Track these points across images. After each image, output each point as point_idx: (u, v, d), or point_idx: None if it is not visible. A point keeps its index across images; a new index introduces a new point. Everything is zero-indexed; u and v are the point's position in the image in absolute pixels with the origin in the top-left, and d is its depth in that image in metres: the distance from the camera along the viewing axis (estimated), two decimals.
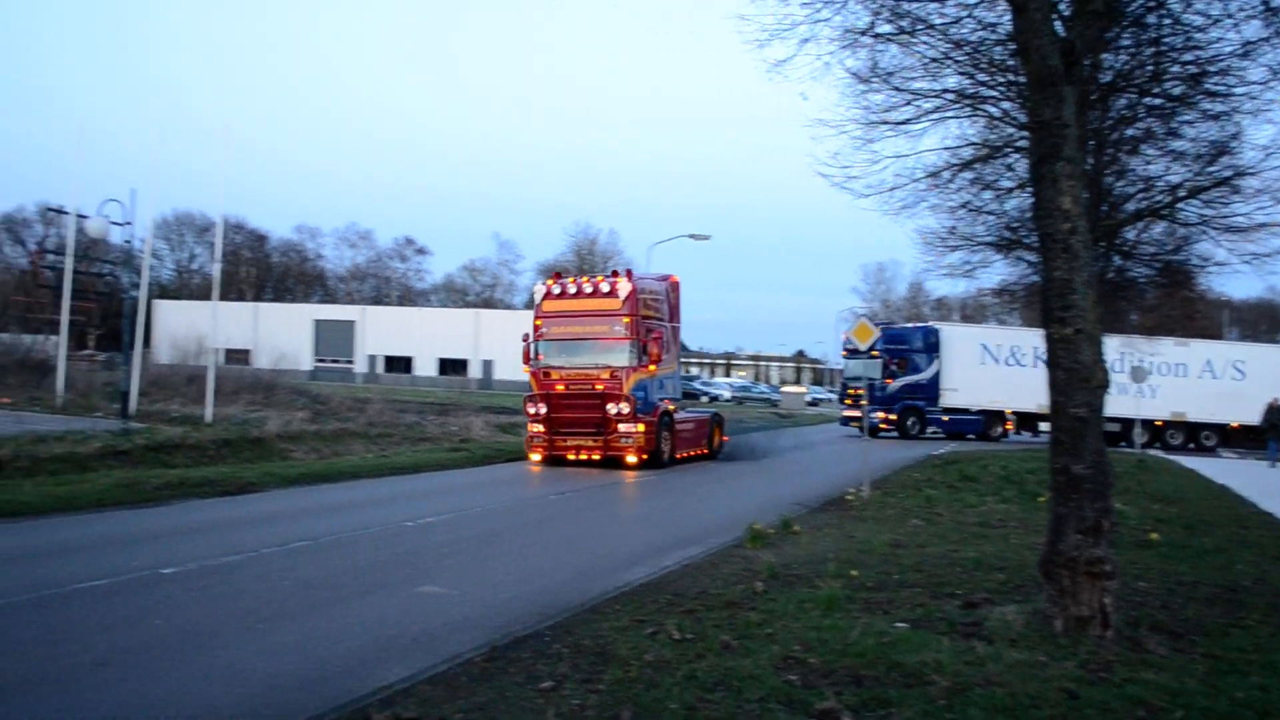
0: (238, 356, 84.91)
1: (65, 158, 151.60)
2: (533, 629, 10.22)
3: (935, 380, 49.86)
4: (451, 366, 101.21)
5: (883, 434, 49.56)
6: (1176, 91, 16.94)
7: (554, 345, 29.62)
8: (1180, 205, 20.02)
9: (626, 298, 29.04)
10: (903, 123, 17.18)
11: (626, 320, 28.98)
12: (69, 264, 40.91)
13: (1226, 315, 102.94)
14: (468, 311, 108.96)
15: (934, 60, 16.27)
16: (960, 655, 8.96)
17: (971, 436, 49.94)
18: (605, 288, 29.38)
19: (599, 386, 28.67)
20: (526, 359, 29.94)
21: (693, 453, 32.07)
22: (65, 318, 39.92)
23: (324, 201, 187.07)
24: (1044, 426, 41.04)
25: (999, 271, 29.30)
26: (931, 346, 50.33)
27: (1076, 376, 9.70)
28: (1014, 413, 49.73)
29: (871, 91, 16.63)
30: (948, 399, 49.82)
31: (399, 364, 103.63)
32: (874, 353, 42.01)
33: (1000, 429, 50.16)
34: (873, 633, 9.72)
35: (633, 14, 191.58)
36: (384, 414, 40.89)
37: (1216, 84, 16.03)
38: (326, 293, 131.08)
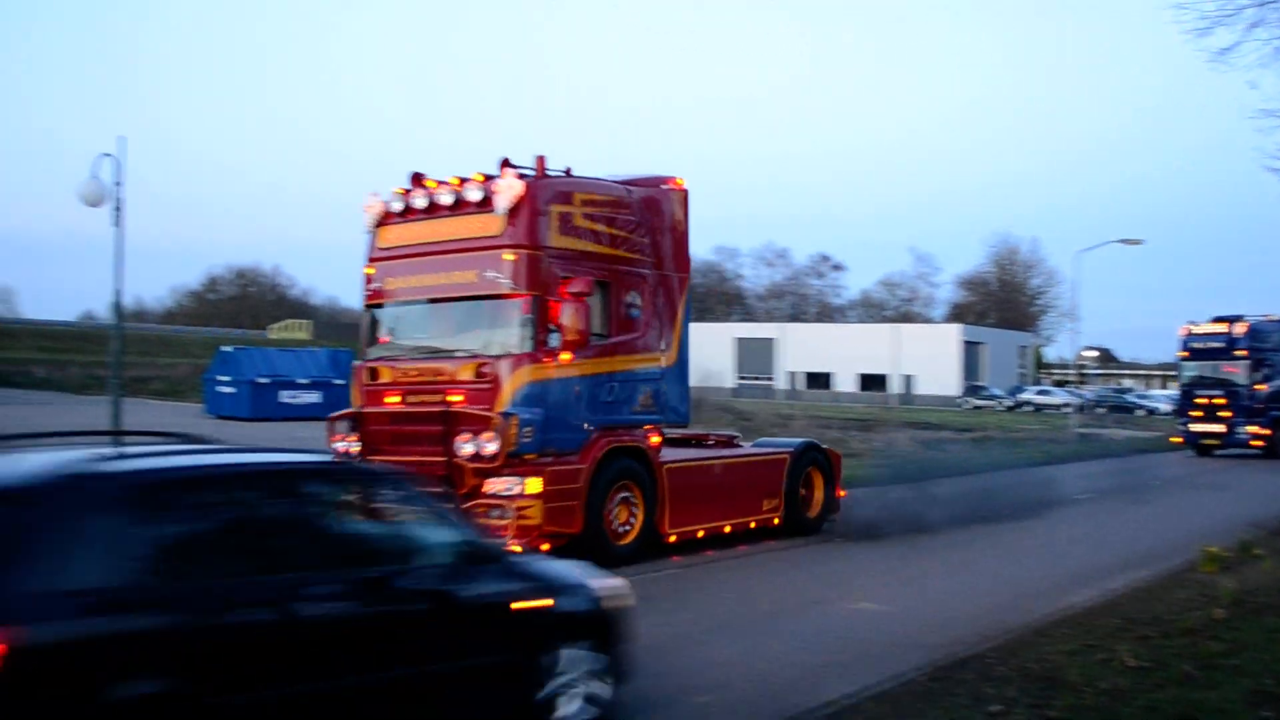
0: None
1: None
2: (975, 650, 9.94)
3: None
4: (871, 382, 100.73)
5: (1218, 451, 39.05)
6: None
7: (393, 314, 15.65)
8: None
9: (514, 210, 14.01)
10: None
11: (512, 256, 13.97)
12: None
13: None
14: (885, 326, 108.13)
15: None
16: None
17: None
18: (475, 195, 14.31)
19: (446, 399, 14.00)
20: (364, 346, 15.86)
21: (737, 521, 16.62)
22: None
23: (742, 222, 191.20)
24: None
25: None
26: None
27: None
28: None
29: None
30: None
31: (819, 380, 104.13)
32: (1239, 351, 37.76)
33: None
34: None
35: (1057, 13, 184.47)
36: (808, 430, 41.16)
37: None
38: (746, 311, 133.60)
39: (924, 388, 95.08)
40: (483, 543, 7.46)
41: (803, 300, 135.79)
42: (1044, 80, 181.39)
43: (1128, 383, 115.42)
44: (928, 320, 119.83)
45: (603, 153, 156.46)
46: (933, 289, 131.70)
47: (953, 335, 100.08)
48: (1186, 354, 40.41)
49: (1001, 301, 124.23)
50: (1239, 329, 38.56)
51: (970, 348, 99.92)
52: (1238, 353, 37.94)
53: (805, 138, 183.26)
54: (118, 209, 18.71)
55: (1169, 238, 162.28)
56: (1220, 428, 38.21)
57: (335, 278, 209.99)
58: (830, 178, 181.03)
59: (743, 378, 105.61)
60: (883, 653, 10.12)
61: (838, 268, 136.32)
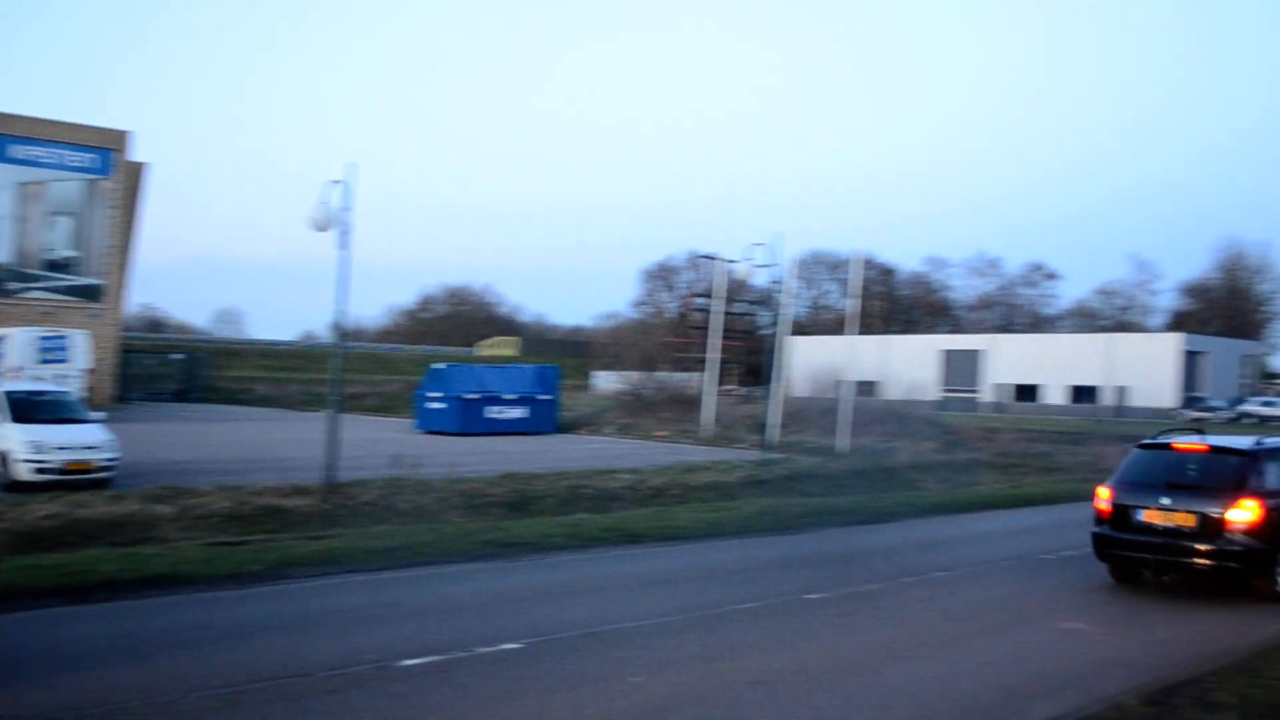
0: (867, 388, 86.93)
1: (710, 208, 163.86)
2: (1192, 674, 9.50)
3: None
4: (1082, 394, 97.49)
5: None
6: None
7: None
8: None
9: None
10: None
11: None
12: (717, 306, 43.87)
13: None
14: (1099, 336, 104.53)
15: None
16: None
17: None
18: None
19: None
20: None
21: None
22: (713, 355, 42.78)
23: (953, 233, 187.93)
24: None
25: None
26: None
27: None
28: None
29: None
30: None
31: (1026, 393, 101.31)
32: None
33: None
34: None
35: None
36: (1014, 443, 40.14)
37: None
38: (954, 323, 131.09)
39: (1139, 400, 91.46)
40: None
41: (1013, 310, 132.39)
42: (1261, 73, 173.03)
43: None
44: (1145, 329, 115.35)
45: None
46: (1152, 297, 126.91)
47: (1170, 344, 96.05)
48: None
49: (1226, 309, 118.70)
50: None
51: (1190, 357, 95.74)
52: None
53: (1011, 149, 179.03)
54: (345, 233, 19.43)
55: None
56: None
57: (542, 296, 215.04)
58: (1046, 188, 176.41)
59: (947, 390, 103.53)
60: (1090, 673, 9.77)
61: (1051, 276, 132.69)
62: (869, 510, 21.47)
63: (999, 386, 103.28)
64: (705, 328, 44.98)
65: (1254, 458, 13.84)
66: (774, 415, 33.75)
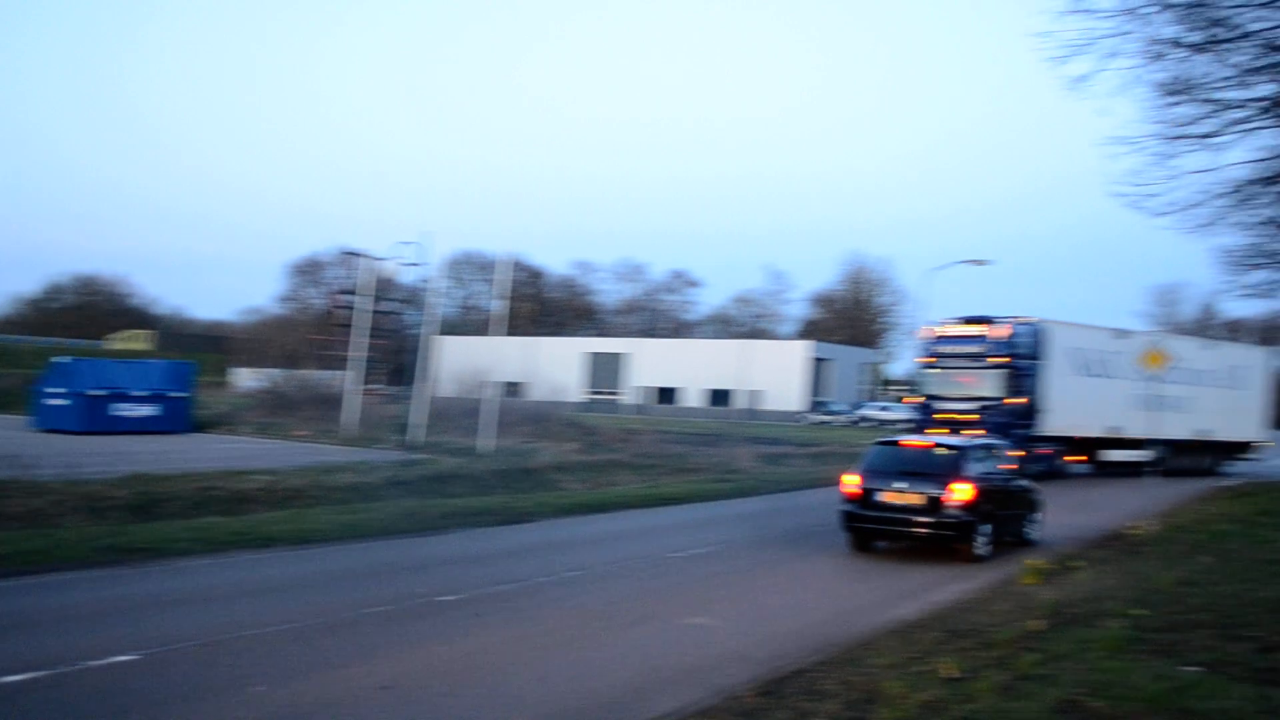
0: (513, 389, 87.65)
1: (358, 203, 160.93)
2: (801, 664, 10.09)
3: (1039, 399, 35.56)
4: (718, 397, 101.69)
5: None
6: None
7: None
8: None
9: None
10: (1206, 136, 16.50)
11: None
12: (363, 303, 43.17)
13: None
14: (735, 342, 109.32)
15: (1247, 70, 15.56)
16: (1258, 702, 8.38)
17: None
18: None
19: None
20: None
21: None
22: (357, 354, 42.07)
23: (602, 239, 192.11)
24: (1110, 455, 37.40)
25: None
26: (1036, 352, 35.74)
27: None
28: (1090, 439, 37.61)
29: (1174, 104, 16.06)
30: (1046, 423, 35.54)
31: (667, 395, 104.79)
32: (996, 359, 34.22)
33: (1063, 461, 37.46)
34: (1162, 677, 9.19)
35: (909, 30, 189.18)
36: (653, 445, 41.39)
37: None
38: (600, 326, 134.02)
39: (770, 403, 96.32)
40: None
41: (656, 315, 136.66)
42: (906, 104, 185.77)
43: None
44: (777, 337, 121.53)
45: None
46: (784, 306, 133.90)
47: (799, 351, 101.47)
48: (931, 360, 36.06)
49: (850, 319, 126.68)
50: (997, 332, 34.70)
51: (818, 364, 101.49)
52: (994, 360, 34.46)
53: (667, 161, 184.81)
54: None
55: (1020, 259, 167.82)
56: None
57: (181, 289, 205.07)
58: (689, 198, 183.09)
59: (592, 392, 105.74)
60: (712, 667, 10.21)
61: (692, 284, 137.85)
62: (509, 511, 21.61)
63: (641, 389, 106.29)
64: (351, 325, 44.19)
65: (964, 452, 18.35)
66: (418, 415, 33.55)
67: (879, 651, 10.61)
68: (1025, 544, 19.67)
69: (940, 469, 17.94)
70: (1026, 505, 20.15)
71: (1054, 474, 34.95)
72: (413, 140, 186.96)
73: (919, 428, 34.39)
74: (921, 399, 36.19)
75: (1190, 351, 40.40)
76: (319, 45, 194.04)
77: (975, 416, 33.92)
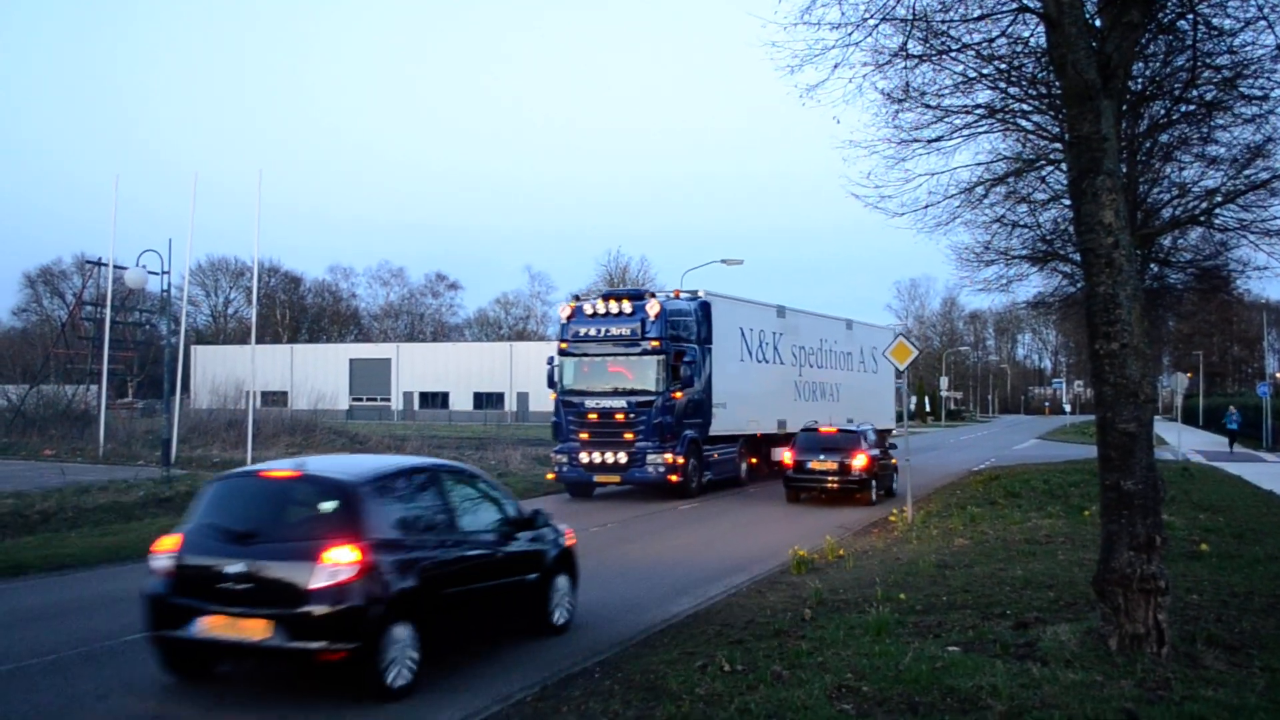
0: (276, 399, 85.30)
1: (98, 210, 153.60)
2: (583, 665, 10.16)
3: (708, 391, 29.55)
4: (486, 400, 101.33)
5: (607, 488, 29.21)
6: (1210, 97, 16.94)
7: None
8: (1217, 211, 19.93)
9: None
10: (934, 140, 17.27)
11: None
12: (108, 315, 41.31)
13: (1265, 317, 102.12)
14: (501, 345, 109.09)
15: (967, 79, 16.34)
16: (1015, 678, 8.84)
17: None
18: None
19: None
20: None
21: None
22: (105, 368, 40.23)
23: (357, 242, 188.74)
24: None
25: (1035, 284, 29.46)
26: (704, 334, 29.63)
27: (1124, 391, 9.56)
28: (762, 437, 32.94)
29: (903, 110, 16.77)
30: (718, 421, 29.88)
31: (435, 400, 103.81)
32: (650, 342, 27.45)
33: (747, 467, 32.13)
34: (925, 658, 9.60)
35: (661, 41, 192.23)
36: (421, 450, 40.97)
37: (1251, 87, 15.97)
38: (361, 332, 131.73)
39: (536, 404, 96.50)
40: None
41: (419, 320, 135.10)
42: (661, 108, 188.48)
43: None
44: (541, 338, 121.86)
45: None
46: (547, 307, 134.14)
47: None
48: (565, 345, 28.61)
49: None
50: (649, 309, 27.65)
51: None
52: (648, 344, 27.47)
53: (421, 162, 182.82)
54: None
55: (773, 257, 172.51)
56: (621, 456, 27.41)
57: None
58: (446, 199, 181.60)
59: (356, 399, 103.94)
60: (493, 674, 10.17)
61: (454, 286, 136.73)
62: None
63: (407, 394, 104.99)
64: (97, 337, 42.24)
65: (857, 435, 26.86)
66: (175, 429, 32.32)
67: (659, 649, 10.76)
68: None
69: (847, 445, 26.71)
70: None
71: (736, 483, 31.15)
72: (144, 144, 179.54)
73: (563, 431, 28.38)
74: (566, 395, 28.48)
75: (837, 333, 39.30)
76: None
77: (624, 416, 27.56)
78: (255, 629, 8.96)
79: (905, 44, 13.26)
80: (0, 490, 24.04)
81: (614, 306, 28.02)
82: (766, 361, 33.31)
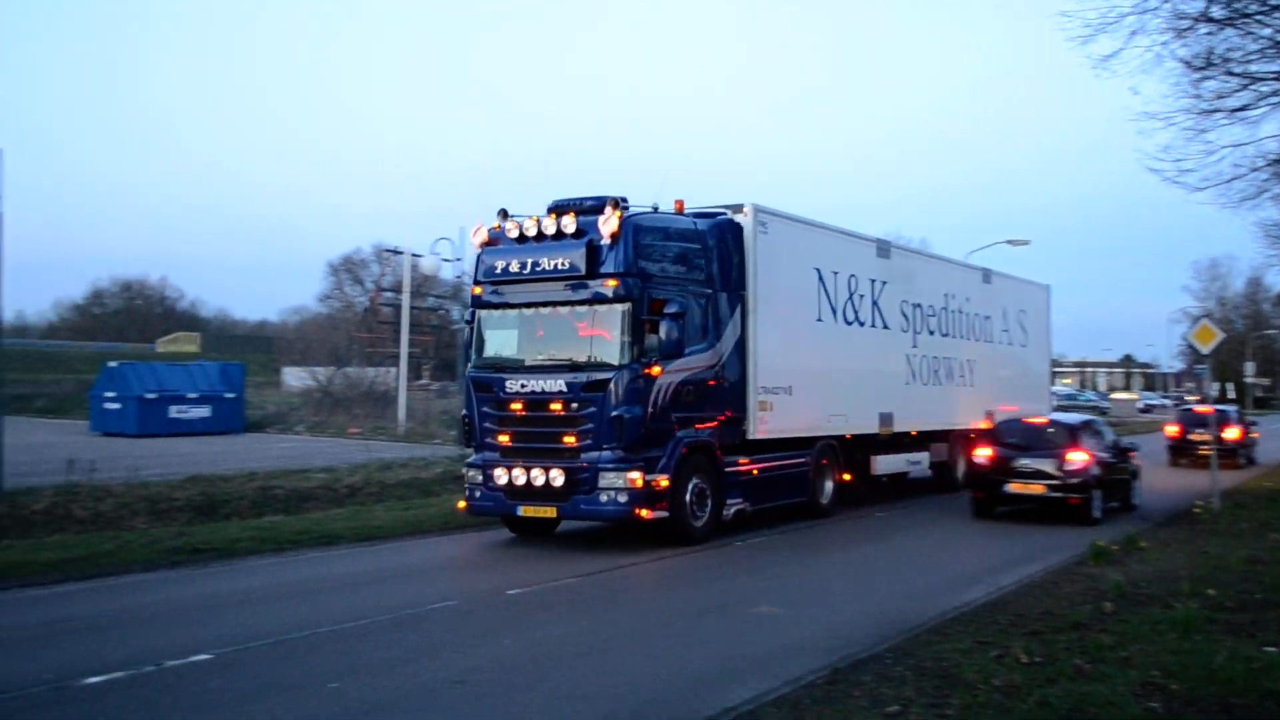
0: None
1: (393, 200, 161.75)
2: (872, 651, 10.04)
3: (740, 363, 18.55)
4: None
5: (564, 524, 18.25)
6: None
7: None
8: None
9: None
10: (1239, 109, 16.36)
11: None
12: (405, 300, 43.38)
13: None
14: None
15: (1275, 43, 15.39)
16: None
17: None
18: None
19: None
20: None
21: None
22: (404, 350, 42.29)
23: None
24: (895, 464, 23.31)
25: None
26: (730, 272, 18.53)
27: None
28: (851, 439, 21.72)
29: (1204, 79, 15.90)
30: (776, 415, 19.11)
31: None
32: (606, 283, 16.14)
33: (832, 485, 20.99)
34: (1240, 657, 9.10)
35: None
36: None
37: None
38: None
39: None
40: None
41: None
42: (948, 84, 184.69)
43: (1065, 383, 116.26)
44: None
45: None
46: None
47: None
48: (479, 290, 17.54)
49: None
50: (603, 225, 16.24)
51: None
52: (601, 285, 16.30)
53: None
54: None
55: (1055, 239, 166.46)
56: (556, 474, 16.25)
57: (223, 289, 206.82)
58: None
59: None
60: (783, 656, 10.17)
61: None
62: None
63: None
64: (395, 322, 44.44)
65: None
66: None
67: (951, 637, 10.54)
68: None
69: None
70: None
71: (809, 511, 20.31)
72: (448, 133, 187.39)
73: (475, 431, 17.32)
74: (478, 372, 17.49)
75: (970, 286, 27.57)
76: (340, 48, 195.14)
77: (562, 407, 16.34)
78: (1036, 490, 19.99)
79: (1207, 9, 12.57)
80: (312, 466, 25.63)
81: (549, 225, 16.60)
82: (860, 323, 22.10)
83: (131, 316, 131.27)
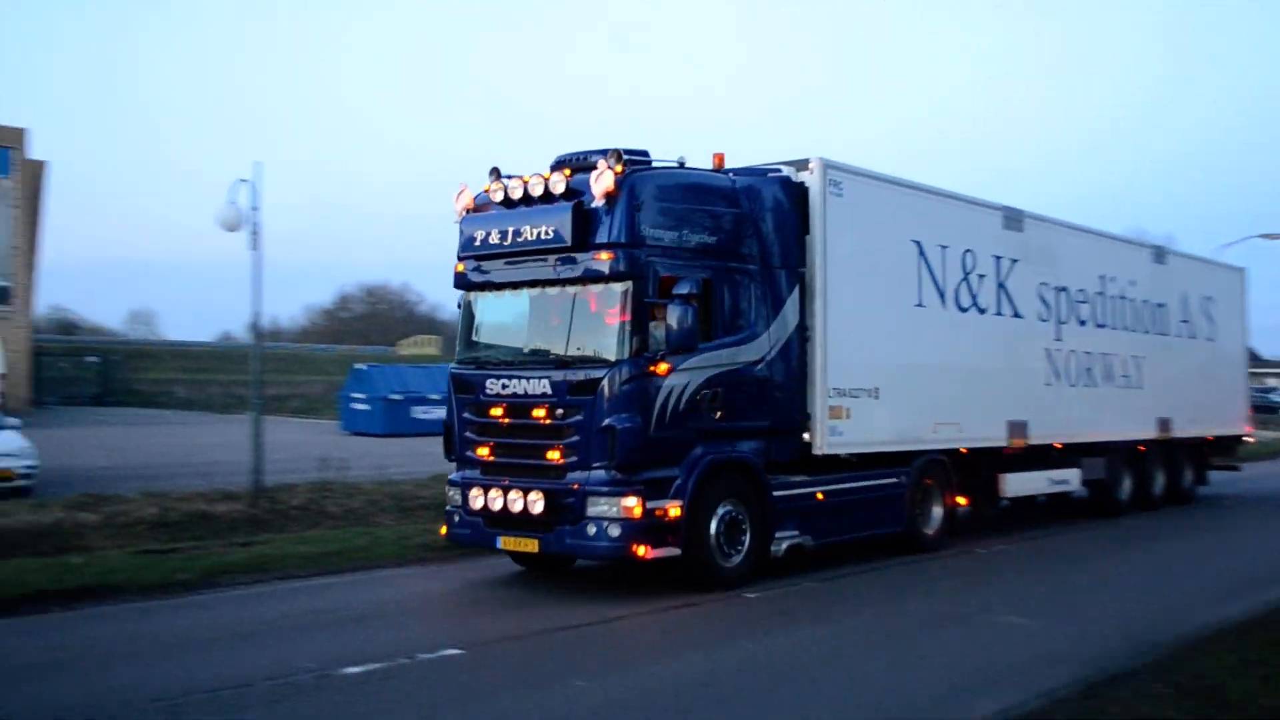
0: None
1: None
2: (1128, 666, 9.63)
3: (800, 356, 14.64)
4: None
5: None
6: None
7: None
8: None
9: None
10: None
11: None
12: None
13: None
14: None
15: None
16: None
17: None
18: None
19: None
20: None
21: None
22: None
23: None
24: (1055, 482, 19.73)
25: None
26: (787, 244, 14.58)
27: None
28: (966, 454, 17.56)
29: None
30: (853, 424, 15.12)
31: None
32: (599, 255, 12.67)
33: (941, 511, 16.89)
34: None
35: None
36: None
37: None
38: None
39: None
40: None
41: None
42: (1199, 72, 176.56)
43: (1271, 381, 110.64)
44: None
45: None
46: None
47: None
48: (463, 266, 14.14)
49: None
50: (595, 184, 12.67)
51: None
52: (593, 258, 12.77)
53: None
54: (255, 233, 19.07)
55: None
56: (536, 499, 12.82)
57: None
58: None
59: None
60: (1031, 668, 9.86)
61: None
62: None
63: None
64: None
65: None
66: None
67: (1213, 653, 10.02)
68: None
69: None
70: None
71: (906, 543, 16.33)
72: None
73: (456, 442, 14.10)
74: (459, 369, 14.39)
75: (1136, 267, 22.75)
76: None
77: (545, 413, 12.94)
78: None
79: None
80: None
81: (536, 187, 13.23)
82: (980, 310, 17.92)
83: (375, 320, 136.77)
